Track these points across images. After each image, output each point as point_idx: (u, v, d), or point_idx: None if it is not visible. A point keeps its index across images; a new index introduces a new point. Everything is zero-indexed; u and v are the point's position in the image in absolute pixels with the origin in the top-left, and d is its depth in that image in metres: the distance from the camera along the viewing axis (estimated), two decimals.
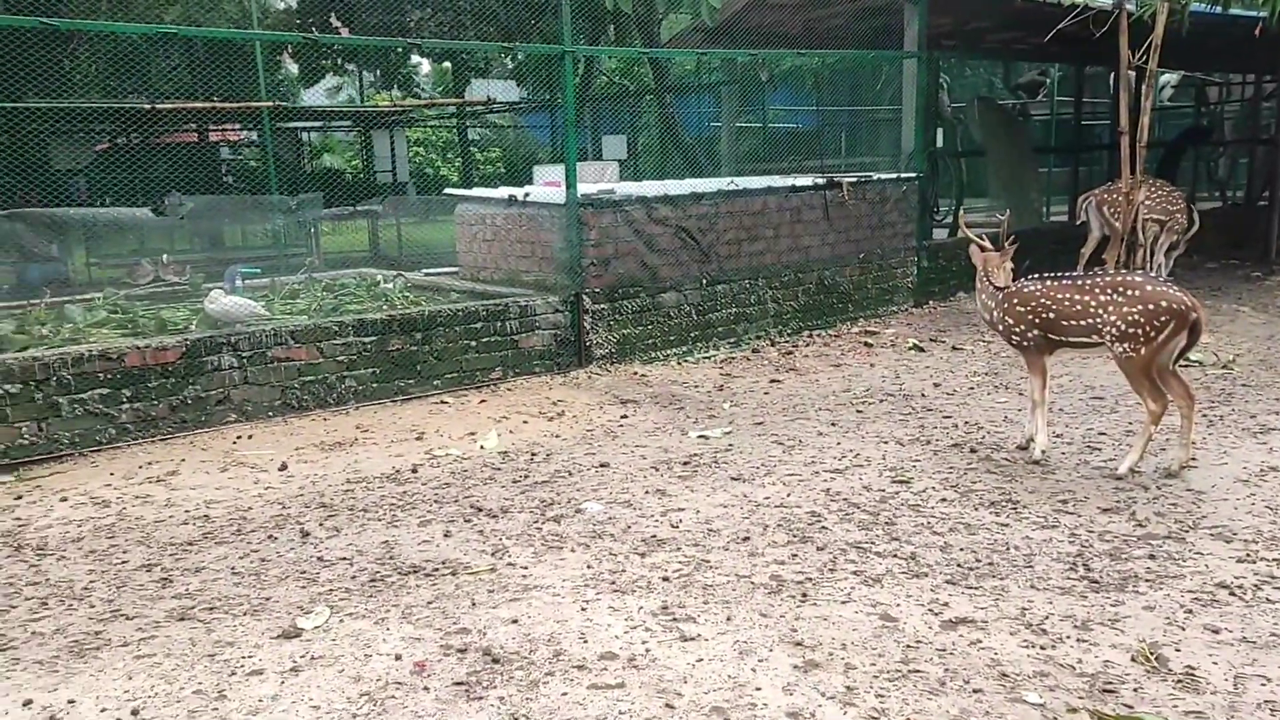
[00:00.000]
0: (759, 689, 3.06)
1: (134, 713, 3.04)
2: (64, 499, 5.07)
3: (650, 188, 8.97)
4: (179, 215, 8.63)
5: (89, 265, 11.03)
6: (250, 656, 3.37)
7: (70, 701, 3.12)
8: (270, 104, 11.40)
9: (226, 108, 10.74)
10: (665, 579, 3.91)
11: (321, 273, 9.53)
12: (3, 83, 9.22)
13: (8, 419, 5.46)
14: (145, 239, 9.81)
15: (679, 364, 8.15)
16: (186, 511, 4.84)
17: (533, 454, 5.68)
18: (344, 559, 4.20)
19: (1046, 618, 3.52)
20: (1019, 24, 11.72)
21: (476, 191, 9.61)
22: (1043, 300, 5.15)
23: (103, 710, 3.06)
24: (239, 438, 6.03)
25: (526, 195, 8.32)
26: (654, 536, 4.36)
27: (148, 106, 9.48)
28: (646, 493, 4.96)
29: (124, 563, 4.24)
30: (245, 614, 3.70)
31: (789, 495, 4.88)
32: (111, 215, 8.97)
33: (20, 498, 5.12)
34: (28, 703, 3.12)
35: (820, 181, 9.60)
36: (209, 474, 5.41)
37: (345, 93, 22.14)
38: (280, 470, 5.43)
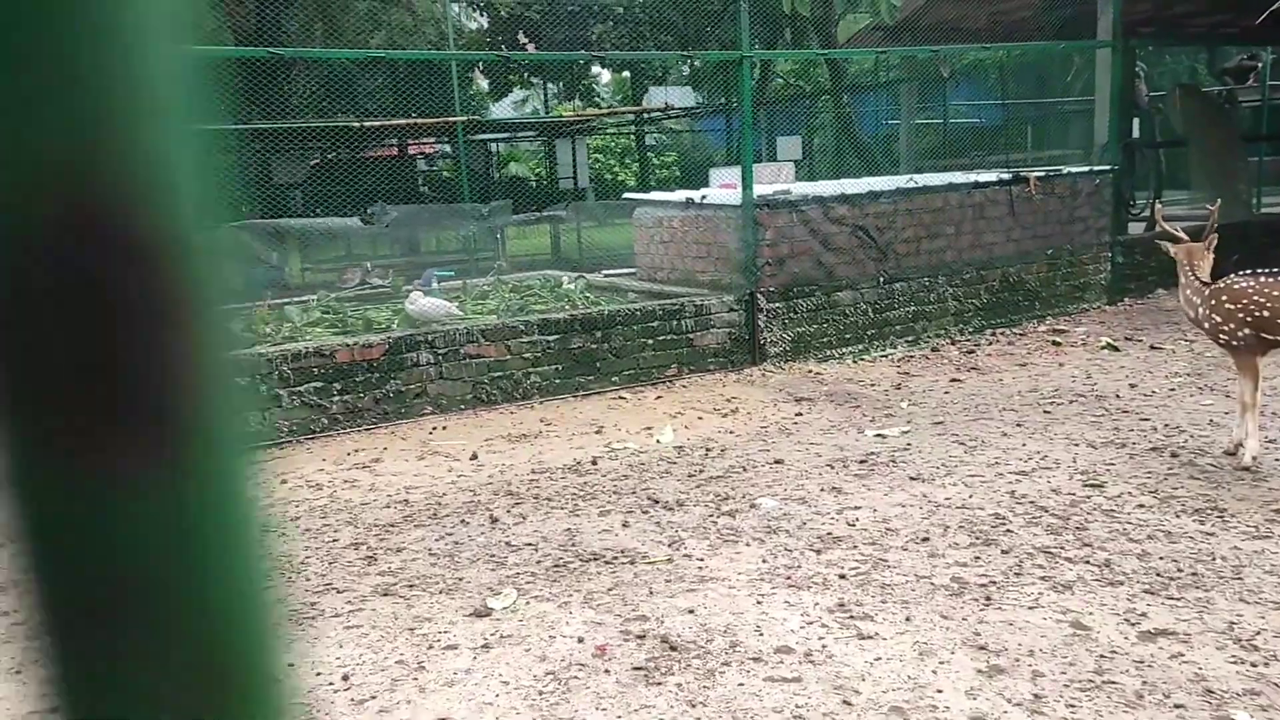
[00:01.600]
0: (940, 691, 3.02)
1: (344, 678, 3.31)
2: (283, 481, 5.55)
3: (827, 187, 8.91)
4: (384, 224, 9.26)
5: (303, 270, 11.97)
6: (446, 632, 3.61)
7: (289, 665, 3.43)
8: (464, 118, 12.04)
9: (425, 123, 11.42)
10: (842, 576, 3.90)
11: (508, 275, 10.00)
12: (234, 107, 10.20)
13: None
14: (352, 245, 10.56)
15: (855, 362, 8.05)
16: (389, 496, 5.21)
17: (707, 449, 5.77)
18: (530, 544, 4.41)
19: (1258, 633, 3.29)
20: (1227, 7, 10.88)
21: (654, 195, 9.81)
22: (1255, 298, 4.80)
23: (317, 674, 3.35)
24: (434, 429, 6.43)
25: (704, 197, 8.44)
26: (830, 534, 4.36)
27: (356, 124, 10.23)
28: (822, 490, 4.95)
29: (335, 541, 4.61)
30: (441, 592, 3.96)
31: (971, 496, 4.76)
32: (326, 224, 9.73)
33: None
34: None
35: (1005, 176, 9.25)
36: (408, 462, 5.79)
37: (530, 105, 23.03)
38: (471, 460, 5.75)
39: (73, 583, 0.29)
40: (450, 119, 11.19)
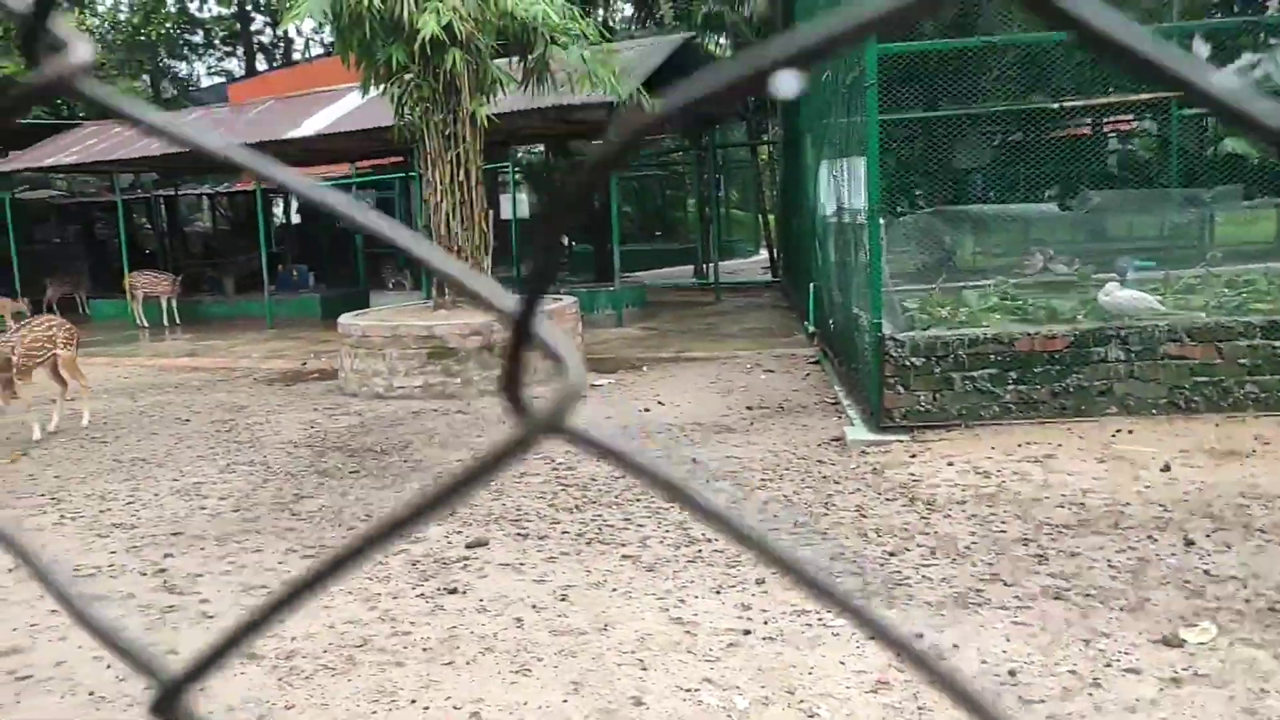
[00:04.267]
0: None
1: (1011, 673, 3.17)
2: (950, 464, 5.55)
3: None
4: (1085, 210, 8.68)
5: (973, 254, 11.80)
6: (1126, 653, 3.26)
7: (954, 646, 3.40)
8: (1180, 93, 10.69)
9: (1130, 100, 10.46)
10: None
11: (1219, 266, 8.67)
12: (926, 96, 10.46)
13: (910, 387, 6.19)
14: (1030, 230, 10.11)
15: None
16: (1062, 495, 4.89)
17: None
18: (1235, 578, 3.78)
19: None
20: None
21: None
22: None
23: (983, 662, 3.27)
24: (1118, 431, 5.87)
25: None
26: None
27: (1054, 106, 9.77)
28: None
29: (1002, 532, 4.46)
30: (1121, 610, 3.59)
31: None
32: (1020, 210, 9.47)
33: (914, 456, 5.77)
34: (919, 635, 3.48)
35: None
36: (1085, 463, 5.38)
37: (1261, 69, 19.74)
38: (1163, 471, 5.12)
39: None
40: (1163, 94, 10.04)
